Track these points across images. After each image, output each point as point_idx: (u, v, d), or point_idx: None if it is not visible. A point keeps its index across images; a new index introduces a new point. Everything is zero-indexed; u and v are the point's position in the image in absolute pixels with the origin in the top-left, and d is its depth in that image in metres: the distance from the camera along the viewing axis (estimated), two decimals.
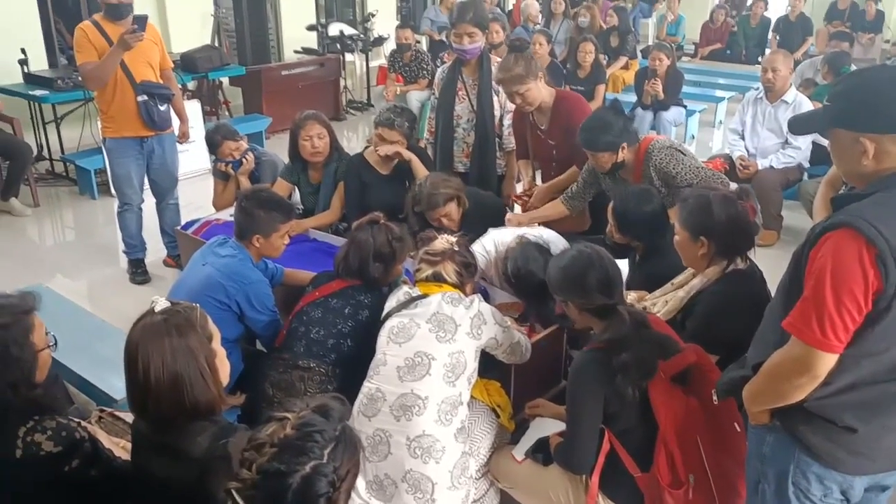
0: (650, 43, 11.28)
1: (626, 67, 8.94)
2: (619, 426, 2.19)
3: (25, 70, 6.33)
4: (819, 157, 5.12)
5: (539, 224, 3.53)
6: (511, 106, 3.90)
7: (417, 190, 3.41)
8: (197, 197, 5.46)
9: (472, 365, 2.43)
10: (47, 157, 6.54)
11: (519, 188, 4.12)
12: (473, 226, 3.38)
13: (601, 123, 3.21)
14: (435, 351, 2.36)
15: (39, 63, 6.76)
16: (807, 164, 5.23)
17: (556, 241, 3.17)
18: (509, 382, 2.75)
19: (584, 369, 2.19)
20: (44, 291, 3.51)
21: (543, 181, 3.93)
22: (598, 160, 3.26)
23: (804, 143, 5.09)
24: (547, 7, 10.50)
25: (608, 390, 2.13)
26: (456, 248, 2.63)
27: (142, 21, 4.00)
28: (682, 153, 3.20)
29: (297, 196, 4.19)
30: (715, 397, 1.99)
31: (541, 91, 3.60)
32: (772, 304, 1.83)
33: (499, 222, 3.52)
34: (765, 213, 5.19)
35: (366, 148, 4.01)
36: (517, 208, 4.19)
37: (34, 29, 6.93)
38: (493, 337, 2.48)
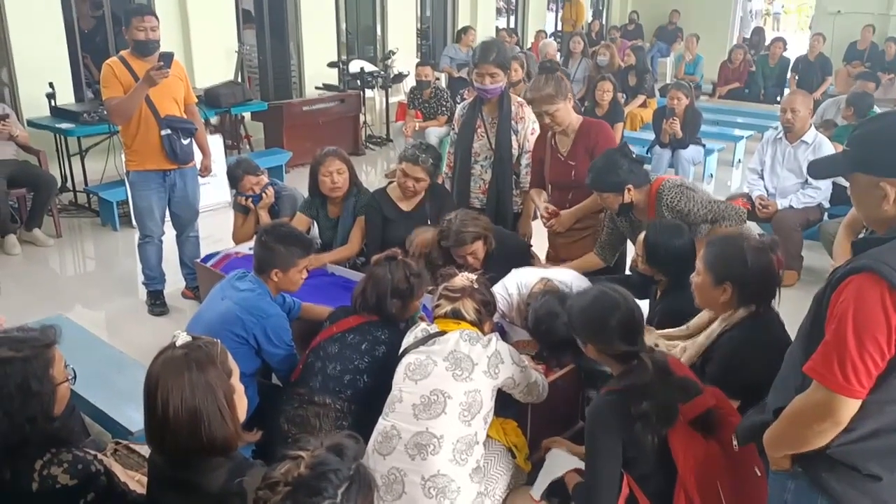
0: (668, 81, 11.35)
1: (644, 106, 8.99)
2: (638, 471, 2.15)
3: (53, 104, 6.46)
4: (839, 197, 5.09)
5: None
6: (529, 146, 3.93)
7: (446, 225, 3.41)
8: (217, 230, 5.52)
9: (489, 404, 2.41)
10: (71, 188, 6.63)
11: (535, 225, 4.13)
12: (495, 265, 3.38)
13: (607, 164, 3.24)
14: (451, 389, 2.35)
15: (66, 97, 6.90)
16: (827, 205, 5.19)
17: (578, 284, 3.15)
18: (526, 422, 2.73)
19: (603, 413, 2.16)
20: (63, 322, 3.54)
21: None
22: (605, 200, 3.30)
23: (824, 184, 5.06)
24: (566, 46, 10.62)
25: (627, 435, 2.10)
26: (476, 286, 2.63)
27: (168, 58, 4.08)
28: (692, 190, 3.22)
29: (315, 230, 4.22)
30: (735, 442, 1.96)
31: (569, 113, 3.64)
32: (792, 347, 1.81)
33: (521, 262, 3.52)
34: (785, 253, 5.14)
35: (389, 183, 4.04)
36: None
37: (62, 64, 7.07)
38: (510, 376, 2.47)
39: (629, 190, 3.21)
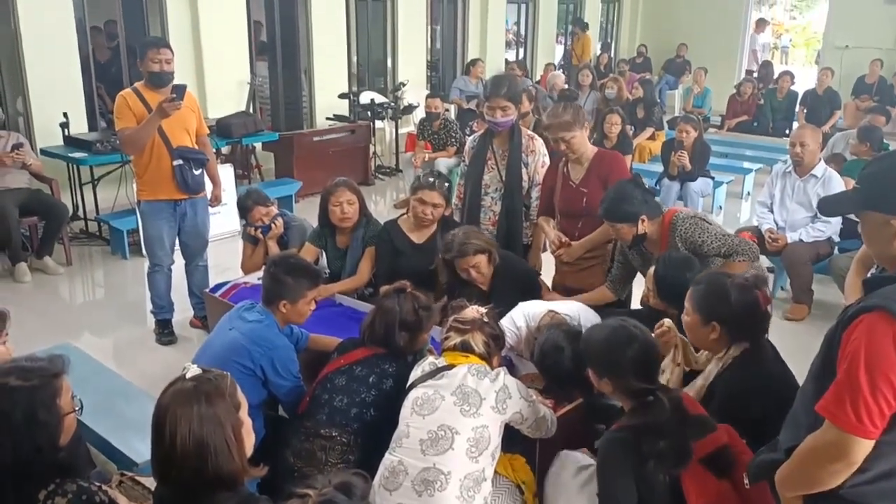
0: (677, 114, 11.39)
1: (652, 138, 9.02)
2: None
3: (66, 133, 6.52)
4: (849, 231, 5.07)
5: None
6: (539, 178, 3.96)
7: (450, 237, 3.43)
8: (225, 259, 5.54)
9: (496, 440, 2.39)
10: (82, 216, 6.68)
11: (544, 258, 4.13)
12: (503, 290, 3.38)
13: (620, 195, 3.25)
14: (459, 425, 2.33)
15: (80, 126, 6.97)
16: (837, 238, 5.18)
17: (586, 317, 3.13)
18: (534, 458, 2.70)
19: (615, 450, 2.13)
20: (70, 350, 3.55)
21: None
22: (619, 232, 3.29)
23: (834, 218, 5.05)
24: (574, 79, 10.70)
25: (639, 472, 2.08)
26: (486, 320, 2.62)
27: (180, 90, 4.13)
28: (707, 222, 3.21)
29: (323, 260, 4.23)
30: (746, 480, 1.93)
31: (585, 142, 3.69)
32: (804, 386, 1.80)
33: (530, 287, 3.53)
34: (795, 287, 5.14)
35: (401, 215, 4.06)
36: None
37: (77, 94, 7.17)
38: (519, 411, 2.44)
39: (643, 221, 3.21)
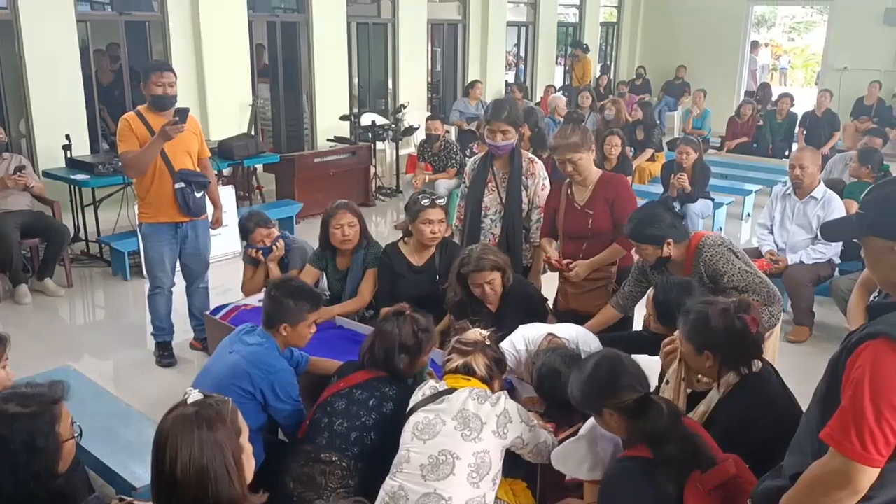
0: (676, 135, 11.42)
1: (652, 159, 9.05)
2: None
3: (68, 155, 6.54)
4: (850, 253, 5.07)
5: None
6: (539, 201, 3.97)
7: (467, 252, 3.45)
8: (226, 280, 5.53)
9: (497, 465, 2.38)
10: (83, 238, 6.68)
11: (544, 280, 4.13)
12: (512, 317, 3.38)
13: (649, 216, 3.26)
14: (459, 450, 2.32)
15: (82, 148, 6.99)
16: (838, 260, 5.17)
17: (584, 340, 3.12)
18: (535, 483, 2.68)
19: (619, 480, 2.12)
20: (70, 373, 3.53)
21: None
22: (643, 252, 3.30)
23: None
24: (574, 101, 10.75)
25: (646, 499, 2.06)
26: (488, 343, 2.62)
27: (183, 113, 4.14)
28: (733, 254, 3.19)
29: (324, 282, 4.23)
30: None
31: (591, 164, 3.71)
32: (808, 412, 1.79)
33: (538, 310, 3.53)
34: (796, 309, 5.13)
35: (401, 238, 4.06)
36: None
37: (79, 116, 7.19)
38: (519, 436, 2.43)
39: (668, 244, 3.21)
